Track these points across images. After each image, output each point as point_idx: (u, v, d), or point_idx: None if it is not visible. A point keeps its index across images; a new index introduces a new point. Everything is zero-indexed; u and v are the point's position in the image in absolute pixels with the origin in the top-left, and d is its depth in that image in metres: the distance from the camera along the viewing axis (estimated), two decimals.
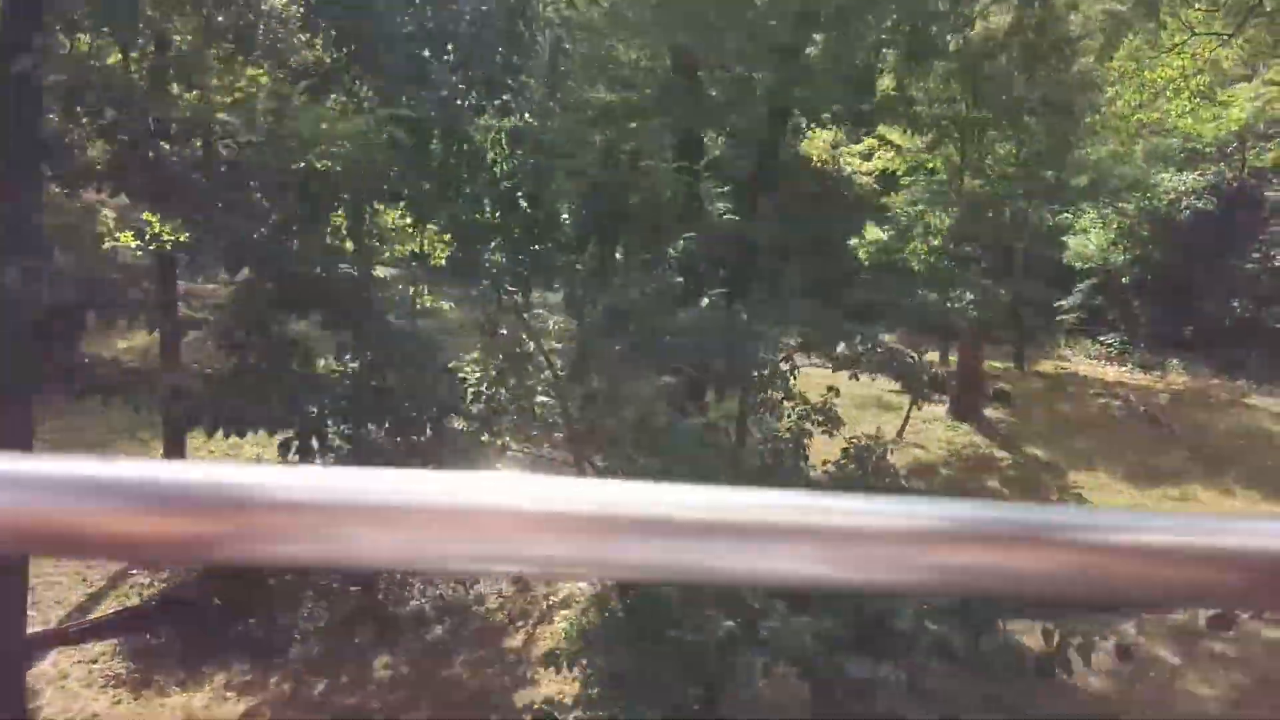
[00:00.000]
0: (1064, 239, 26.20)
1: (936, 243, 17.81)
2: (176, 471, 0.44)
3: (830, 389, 9.80)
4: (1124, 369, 23.71)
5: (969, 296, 16.83)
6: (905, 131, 22.92)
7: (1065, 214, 26.99)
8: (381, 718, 8.35)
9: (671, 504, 0.43)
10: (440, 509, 0.43)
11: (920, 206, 19.71)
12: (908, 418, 17.16)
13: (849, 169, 23.52)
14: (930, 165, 22.86)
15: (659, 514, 0.43)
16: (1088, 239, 25.46)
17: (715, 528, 0.43)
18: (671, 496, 0.44)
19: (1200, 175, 23.03)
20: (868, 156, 23.65)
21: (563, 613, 10.18)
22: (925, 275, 17.69)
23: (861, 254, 20.10)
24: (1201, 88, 17.44)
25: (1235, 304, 22.79)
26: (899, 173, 23.04)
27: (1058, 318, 26.32)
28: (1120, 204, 24.52)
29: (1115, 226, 24.92)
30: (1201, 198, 22.92)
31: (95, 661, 8.87)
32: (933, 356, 22.16)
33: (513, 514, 0.43)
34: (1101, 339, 25.53)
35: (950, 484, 14.72)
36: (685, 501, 0.44)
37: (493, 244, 8.93)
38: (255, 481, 0.43)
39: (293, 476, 0.43)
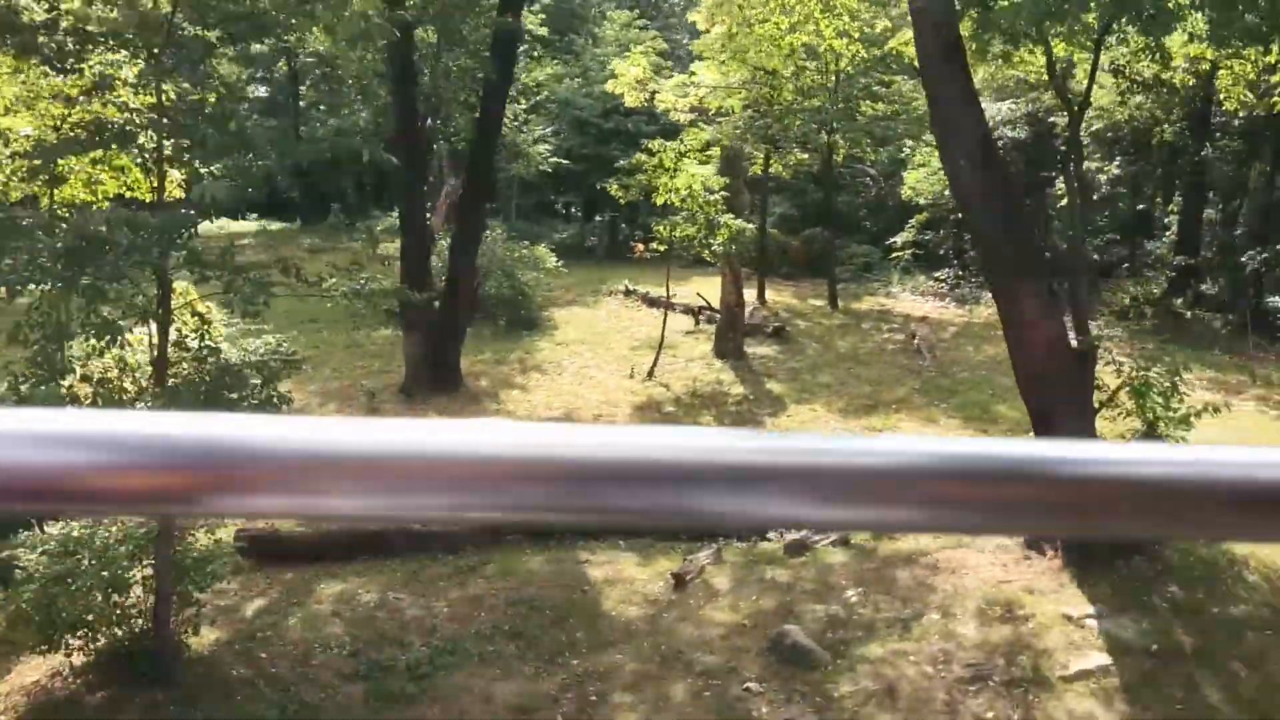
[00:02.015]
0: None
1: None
2: (137, 422, 0.43)
3: None
4: (942, 304, 23.55)
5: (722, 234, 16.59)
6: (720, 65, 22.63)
7: (905, 150, 26.71)
8: None
9: (655, 446, 0.43)
10: (415, 457, 0.42)
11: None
12: (657, 357, 17.06)
13: (663, 106, 23.08)
14: (734, 100, 22.54)
15: (643, 458, 0.43)
16: (919, 174, 25.18)
17: (702, 471, 0.43)
18: (655, 439, 0.44)
19: (1014, 104, 22.60)
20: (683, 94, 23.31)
21: None
22: (686, 211, 17.35)
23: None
24: None
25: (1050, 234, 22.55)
26: (713, 110, 22.75)
27: (892, 255, 26.13)
28: None
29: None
30: (1016, 126, 22.52)
31: None
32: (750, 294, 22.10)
33: (490, 461, 0.43)
34: (936, 275, 25.32)
35: (658, 421, 14.63)
36: (670, 444, 0.44)
37: None
38: (222, 432, 0.42)
39: (262, 426, 0.42)
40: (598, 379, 17.12)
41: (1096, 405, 9.39)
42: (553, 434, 0.44)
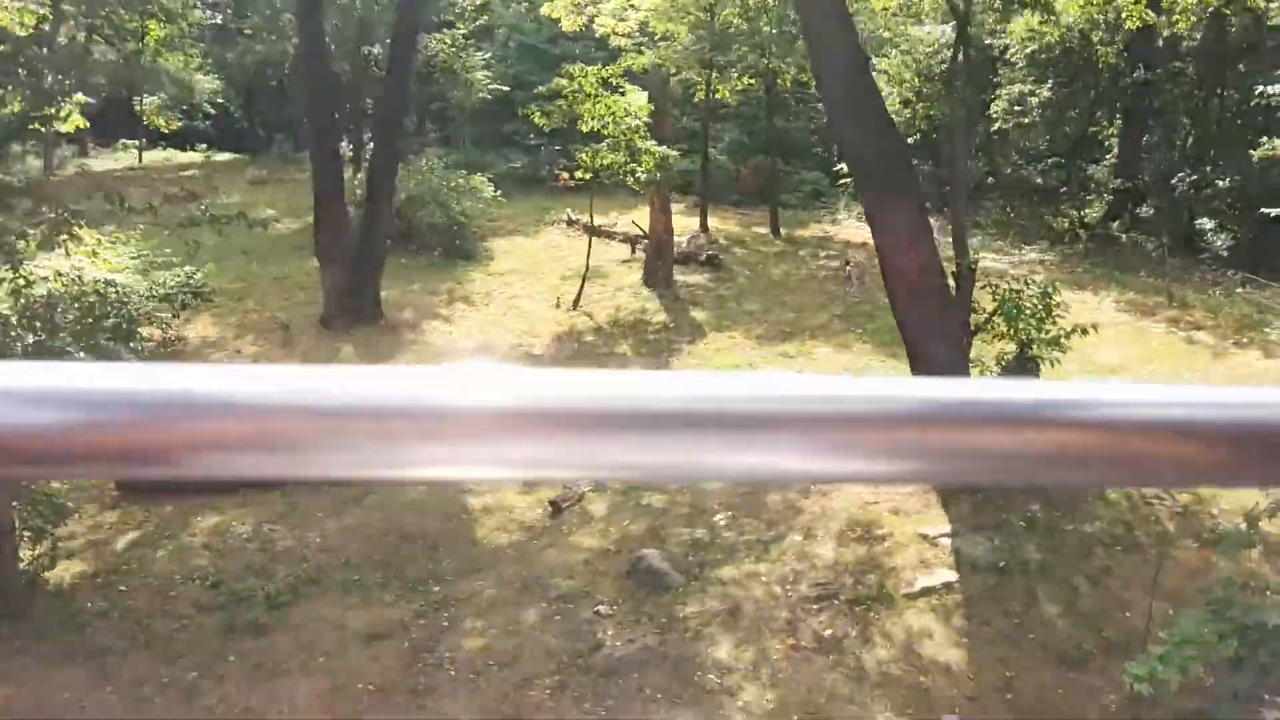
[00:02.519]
0: None
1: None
2: (98, 375, 0.38)
3: None
4: None
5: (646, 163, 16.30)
6: None
7: None
8: None
9: (648, 396, 0.39)
10: (403, 409, 0.38)
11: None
12: (582, 286, 16.93)
13: (601, 29, 22.47)
14: (676, 25, 22.02)
15: (635, 406, 0.39)
16: None
17: (704, 419, 0.39)
18: (644, 387, 0.39)
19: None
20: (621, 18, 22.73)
21: None
22: (610, 140, 17.00)
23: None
24: None
25: (979, 162, 22.31)
26: (657, 34, 22.22)
27: (839, 181, 25.82)
28: (886, 58, 23.71)
29: (892, 83, 24.10)
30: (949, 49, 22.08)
31: None
32: (688, 224, 21.88)
33: (482, 413, 0.39)
34: None
35: (575, 354, 14.58)
36: (665, 392, 0.39)
37: None
38: (189, 386, 0.38)
39: (236, 378, 0.38)
40: (525, 309, 17.01)
41: (974, 327, 9.37)
42: (542, 381, 0.40)
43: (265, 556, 8.57)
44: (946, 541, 8.07)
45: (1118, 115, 20.78)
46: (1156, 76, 18.11)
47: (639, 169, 16.39)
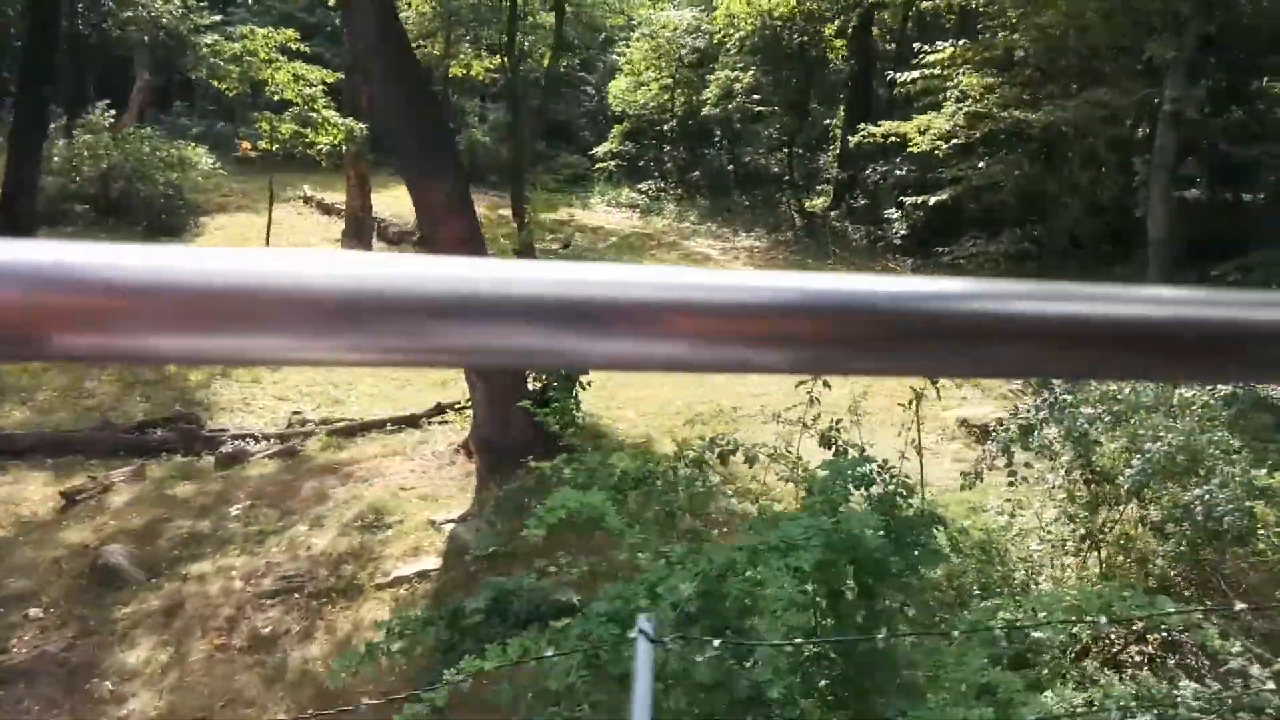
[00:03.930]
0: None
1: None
2: None
3: None
4: (628, 215, 23.29)
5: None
6: None
7: (616, 58, 25.96)
8: None
9: (505, 281, 0.37)
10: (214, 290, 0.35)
11: None
12: None
13: None
14: None
15: (490, 292, 0.37)
16: (623, 83, 24.57)
17: (564, 308, 0.38)
18: (507, 273, 0.38)
19: (701, 11, 22.19)
20: None
21: None
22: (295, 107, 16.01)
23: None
24: None
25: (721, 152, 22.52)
26: None
27: (597, 165, 25.63)
28: (635, 45, 23.61)
29: (643, 68, 24.00)
30: (696, 35, 22.15)
31: None
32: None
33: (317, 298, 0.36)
34: (639, 187, 24.95)
35: None
36: (519, 279, 0.38)
37: None
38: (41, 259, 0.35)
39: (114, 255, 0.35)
40: None
41: None
42: (389, 266, 0.37)
43: None
44: (449, 528, 7.72)
45: (841, 107, 21.33)
46: (851, 66, 18.60)
47: (320, 140, 15.53)
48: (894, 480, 4.71)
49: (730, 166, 23.03)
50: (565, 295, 0.37)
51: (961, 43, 13.83)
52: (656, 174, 24.88)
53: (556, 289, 0.37)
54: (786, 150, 21.90)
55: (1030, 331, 0.41)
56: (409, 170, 8.45)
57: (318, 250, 0.38)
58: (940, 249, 16.03)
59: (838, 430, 4.84)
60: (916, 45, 15.05)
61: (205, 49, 24.04)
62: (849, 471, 3.71)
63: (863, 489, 3.78)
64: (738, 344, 0.39)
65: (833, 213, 20.65)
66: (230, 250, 0.35)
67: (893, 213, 17.34)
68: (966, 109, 13.47)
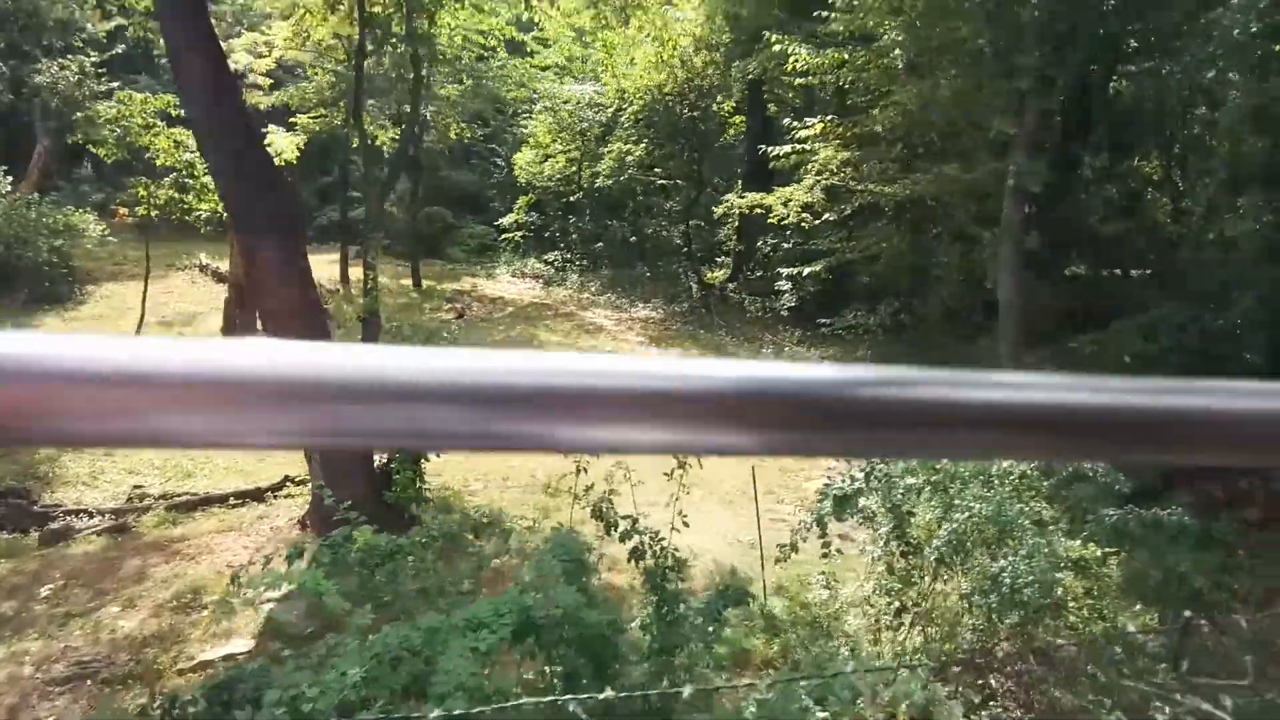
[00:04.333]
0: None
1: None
2: None
3: None
4: (531, 285, 23.35)
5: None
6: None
7: (522, 130, 26.28)
8: None
9: (460, 370, 0.38)
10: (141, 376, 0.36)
11: None
12: (139, 330, 15.55)
13: (235, 65, 21.37)
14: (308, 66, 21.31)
15: (458, 381, 0.38)
16: (528, 154, 24.85)
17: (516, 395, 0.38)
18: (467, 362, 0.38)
19: (601, 86, 22.69)
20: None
21: None
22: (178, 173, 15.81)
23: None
24: None
25: (624, 224, 22.83)
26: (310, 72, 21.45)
27: (503, 235, 25.76)
28: (538, 117, 23.97)
29: (548, 141, 24.34)
30: (597, 108, 22.60)
31: None
32: (331, 273, 20.86)
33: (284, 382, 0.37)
34: (546, 258, 25.07)
35: None
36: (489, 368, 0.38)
37: None
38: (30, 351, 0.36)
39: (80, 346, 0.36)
40: None
41: None
42: (371, 355, 0.38)
43: None
44: (267, 608, 7.41)
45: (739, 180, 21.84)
46: (743, 140, 19.13)
47: (199, 206, 15.31)
48: (663, 553, 4.67)
49: (633, 238, 23.33)
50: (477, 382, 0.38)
51: (830, 118, 14.36)
52: (562, 245, 25.07)
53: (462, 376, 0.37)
54: (684, 223, 22.29)
55: (976, 417, 0.43)
56: (241, 232, 8.33)
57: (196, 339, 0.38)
58: (824, 320, 16.34)
59: (610, 503, 4.79)
60: (786, 121, 15.56)
61: (79, 115, 23.83)
62: (564, 546, 3.64)
63: (568, 566, 3.71)
64: (657, 428, 0.39)
65: (730, 284, 20.98)
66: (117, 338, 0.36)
67: (784, 285, 17.67)
68: (824, 182, 13.91)
